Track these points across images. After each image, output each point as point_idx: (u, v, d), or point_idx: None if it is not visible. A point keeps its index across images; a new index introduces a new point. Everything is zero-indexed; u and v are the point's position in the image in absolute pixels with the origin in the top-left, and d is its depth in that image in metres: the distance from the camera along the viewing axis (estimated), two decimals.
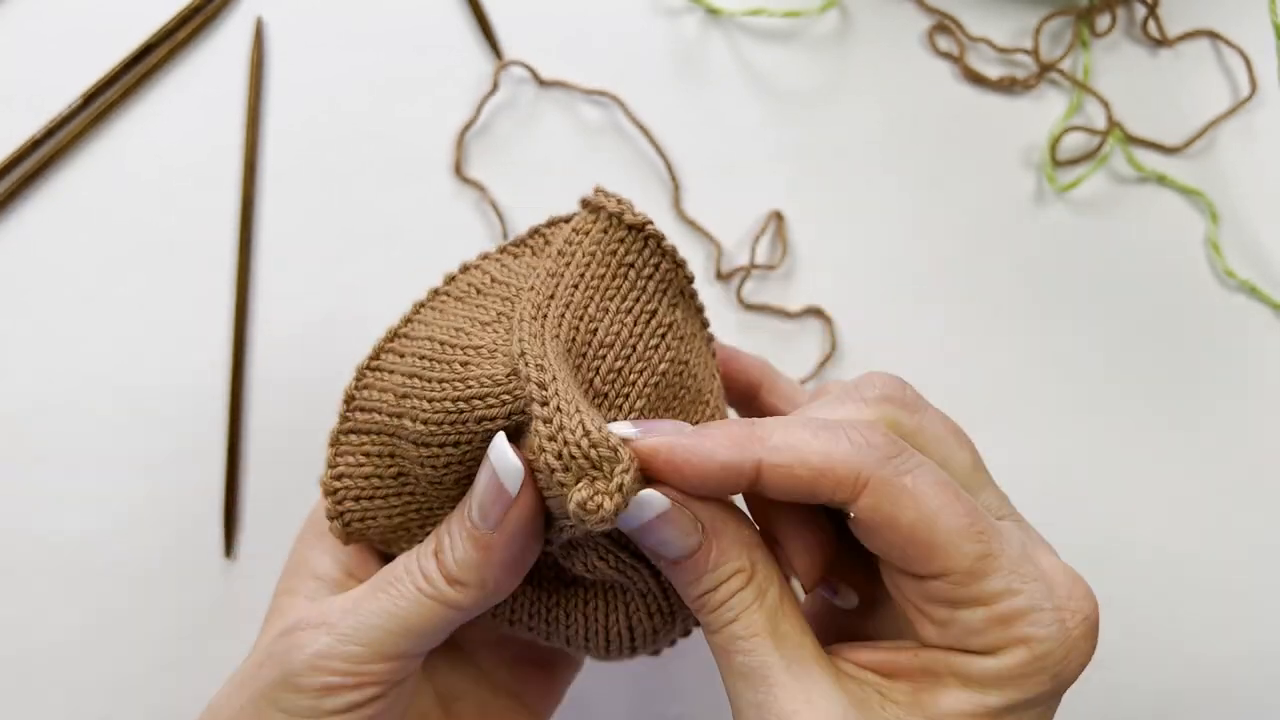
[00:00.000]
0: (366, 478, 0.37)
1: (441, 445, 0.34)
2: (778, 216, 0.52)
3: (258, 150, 0.51)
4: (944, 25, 0.54)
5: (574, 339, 0.35)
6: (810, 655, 0.32)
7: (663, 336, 0.36)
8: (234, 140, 0.51)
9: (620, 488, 0.30)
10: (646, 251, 0.36)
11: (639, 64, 0.53)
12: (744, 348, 0.42)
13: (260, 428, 0.50)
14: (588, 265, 0.36)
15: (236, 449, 0.49)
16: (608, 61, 0.53)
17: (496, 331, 0.35)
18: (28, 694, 0.48)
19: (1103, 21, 0.55)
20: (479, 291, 0.38)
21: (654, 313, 0.36)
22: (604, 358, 0.35)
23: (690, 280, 0.37)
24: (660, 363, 0.36)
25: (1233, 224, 0.54)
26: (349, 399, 0.37)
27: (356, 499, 0.37)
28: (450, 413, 0.34)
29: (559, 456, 0.30)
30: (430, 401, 0.34)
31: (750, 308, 0.52)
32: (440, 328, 0.36)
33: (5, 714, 0.48)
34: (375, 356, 0.37)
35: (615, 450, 0.30)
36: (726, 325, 0.52)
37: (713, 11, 0.53)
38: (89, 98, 0.51)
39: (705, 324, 0.39)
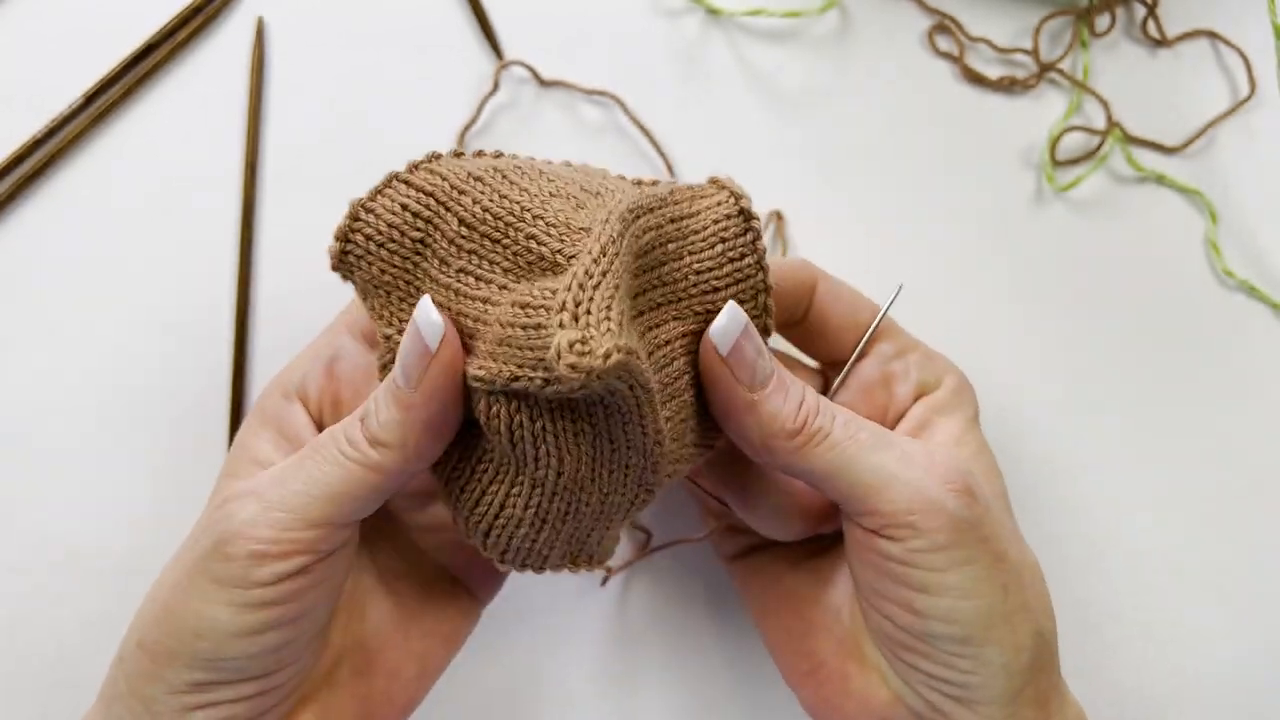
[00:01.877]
0: (390, 225, 0.37)
1: (482, 236, 0.35)
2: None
3: (258, 150, 0.51)
4: (944, 25, 0.54)
5: (646, 254, 0.36)
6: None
7: (705, 315, 0.38)
8: (234, 140, 0.51)
9: (607, 354, 0.30)
10: (741, 241, 0.39)
11: (639, 64, 0.53)
12: None
13: None
14: (694, 215, 0.38)
15: None
16: (608, 61, 0.53)
17: (591, 201, 0.36)
18: (28, 694, 0.48)
19: (1102, 22, 0.55)
20: (597, 174, 0.40)
21: (715, 289, 0.38)
22: (654, 287, 0.37)
23: (767, 290, 0.39)
24: (683, 334, 0.38)
25: (1232, 224, 0.54)
26: (434, 156, 0.37)
27: (368, 238, 0.37)
28: (512, 214, 0.35)
29: (576, 303, 0.31)
30: (501, 196, 0.36)
31: None
32: (547, 166, 0.38)
33: (6, 714, 0.48)
34: (476, 153, 0.39)
35: (620, 329, 0.31)
36: None
37: (713, 11, 0.53)
38: (89, 98, 0.51)
39: (766, 332, 0.40)
